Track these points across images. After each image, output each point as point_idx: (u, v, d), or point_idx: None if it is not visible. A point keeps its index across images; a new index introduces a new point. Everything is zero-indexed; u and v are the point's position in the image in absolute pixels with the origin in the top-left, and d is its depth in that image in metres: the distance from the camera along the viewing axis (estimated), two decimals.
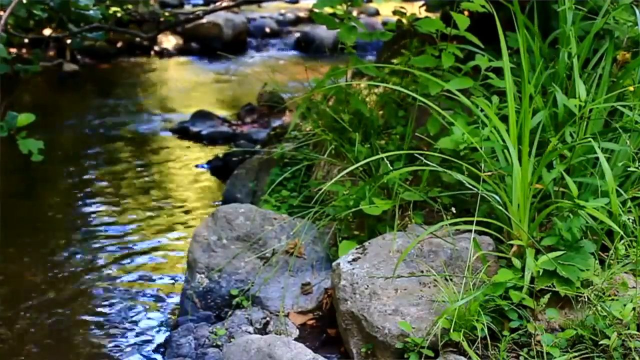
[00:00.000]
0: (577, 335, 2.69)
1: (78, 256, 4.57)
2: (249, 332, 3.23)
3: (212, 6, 8.86)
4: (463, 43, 3.70)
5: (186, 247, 3.77)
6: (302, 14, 12.66)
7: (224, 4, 7.67)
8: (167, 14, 9.13)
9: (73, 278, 4.29)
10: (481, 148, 3.13)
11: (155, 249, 4.69)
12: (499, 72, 3.49)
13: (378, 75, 4.11)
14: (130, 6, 8.77)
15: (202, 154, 6.48)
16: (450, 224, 3.01)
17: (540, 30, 3.73)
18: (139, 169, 6.19)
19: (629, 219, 2.85)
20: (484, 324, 2.66)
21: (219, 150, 6.40)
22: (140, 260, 4.54)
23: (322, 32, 10.50)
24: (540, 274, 2.78)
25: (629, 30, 3.52)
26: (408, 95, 3.71)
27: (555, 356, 2.62)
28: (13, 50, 7.77)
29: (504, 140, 3.09)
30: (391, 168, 3.35)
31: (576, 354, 2.63)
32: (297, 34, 11.52)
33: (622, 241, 2.85)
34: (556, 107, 3.28)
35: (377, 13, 12.80)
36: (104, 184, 5.79)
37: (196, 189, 5.72)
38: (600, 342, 2.62)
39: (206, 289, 3.51)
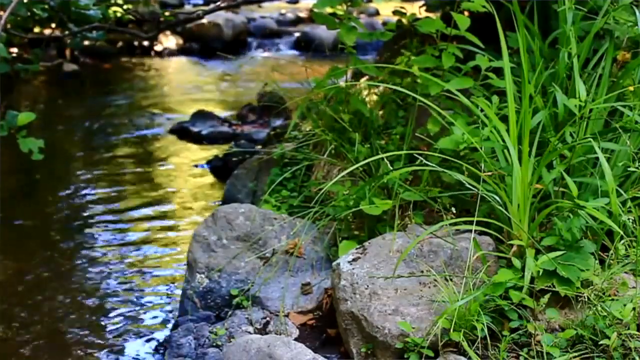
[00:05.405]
0: (577, 335, 2.69)
1: (77, 256, 4.57)
2: (249, 332, 3.23)
3: (212, 6, 8.85)
4: (463, 43, 3.70)
5: (186, 247, 3.77)
6: (302, 14, 12.67)
7: (224, 4, 7.66)
8: (167, 13, 9.12)
9: (72, 278, 4.29)
10: (481, 148, 3.13)
11: (155, 248, 4.69)
12: (499, 72, 3.49)
13: (378, 75, 4.12)
14: (130, 6, 8.76)
15: (202, 154, 6.48)
16: (450, 224, 3.01)
17: (540, 30, 3.73)
18: (138, 168, 6.19)
19: (629, 219, 2.85)
20: (484, 324, 2.66)
21: (219, 150, 6.40)
22: (140, 259, 4.54)
23: (322, 32, 10.49)
24: (540, 274, 2.78)
25: (629, 30, 3.52)
26: (408, 95, 3.71)
27: (555, 356, 2.62)
28: (13, 50, 7.77)
29: (504, 140, 3.09)
30: (391, 168, 3.35)
31: (576, 354, 2.63)
32: (297, 34, 11.52)
33: (622, 241, 2.85)
34: (556, 107, 3.28)
35: (377, 13, 12.80)
36: (104, 183, 5.79)
37: (196, 189, 5.72)
38: (600, 342, 2.62)
39: (206, 289, 3.51)
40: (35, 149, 4.16)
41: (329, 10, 4.12)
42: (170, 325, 3.68)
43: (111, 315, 3.90)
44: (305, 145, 4.13)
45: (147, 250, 4.67)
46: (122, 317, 3.88)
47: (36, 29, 8.00)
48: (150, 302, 4.04)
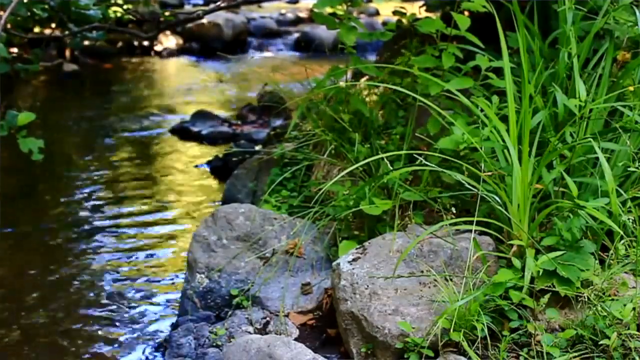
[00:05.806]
0: (577, 335, 2.69)
1: (77, 256, 4.57)
2: (249, 332, 3.23)
3: (212, 6, 8.85)
4: (463, 43, 3.70)
5: (186, 247, 3.77)
6: (302, 14, 12.66)
7: (224, 4, 7.66)
8: (167, 13, 9.12)
9: (72, 278, 4.29)
10: (481, 148, 3.13)
11: (155, 248, 4.69)
12: (499, 72, 3.49)
13: (378, 75, 4.11)
14: (130, 6, 8.77)
15: (202, 154, 6.48)
16: (450, 224, 3.01)
17: (540, 30, 3.73)
18: (139, 168, 6.19)
19: (629, 219, 2.85)
20: (484, 324, 2.66)
21: (219, 150, 6.39)
22: (140, 260, 4.54)
23: (322, 32, 10.49)
24: (540, 274, 2.78)
25: (629, 30, 3.52)
26: (408, 95, 3.71)
27: (555, 356, 2.62)
28: (13, 50, 7.77)
29: (504, 140, 3.09)
30: (391, 168, 3.35)
31: (576, 354, 2.63)
32: (297, 34, 11.51)
33: (622, 241, 2.85)
34: (556, 107, 3.29)
35: (377, 13, 12.80)
36: (104, 184, 5.78)
37: (196, 189, 5.72)
38: (600, 342, 2.62)
39: (206, 289, 3.51)
40: (35, 149, 4.15)
41: (329, 10, 4.13)
42: (170, 325, 3.68)
43: (111, 315, 3.90)
44: (305, 145, 4.13)
45: (146, 250, 4.67)
46: (121, 318, 3.87)
47: (36, 29, 8.01)
48: (150, 302, 4.04)
